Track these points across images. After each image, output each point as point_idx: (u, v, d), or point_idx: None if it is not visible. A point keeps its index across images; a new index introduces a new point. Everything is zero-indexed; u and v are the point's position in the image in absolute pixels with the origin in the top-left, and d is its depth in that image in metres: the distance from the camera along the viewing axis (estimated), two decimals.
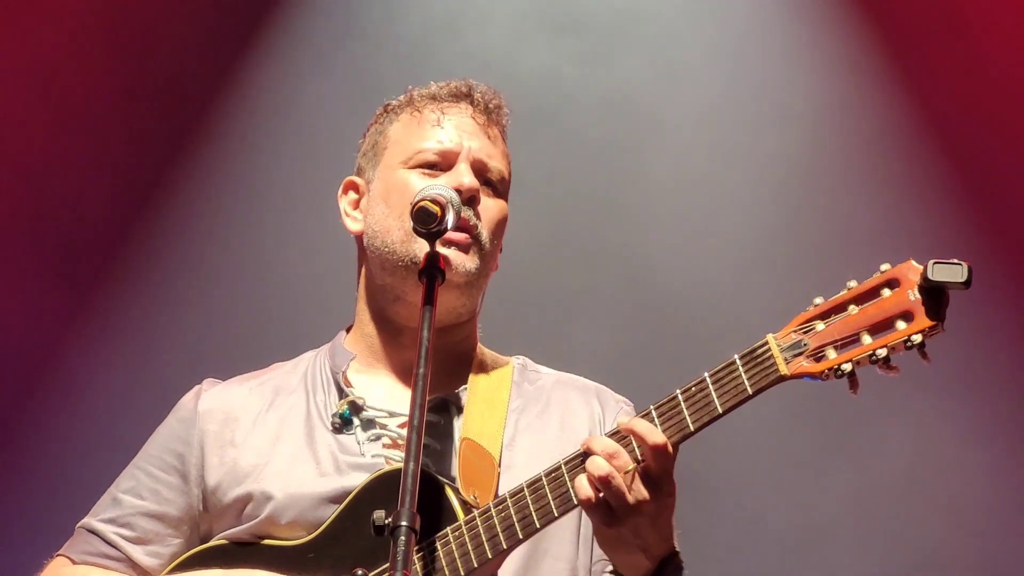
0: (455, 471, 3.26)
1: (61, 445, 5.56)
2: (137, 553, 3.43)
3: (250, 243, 5.66)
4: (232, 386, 3.55)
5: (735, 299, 5.31)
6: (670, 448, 2.95)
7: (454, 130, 3.48)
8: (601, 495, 2.95)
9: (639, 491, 2.94)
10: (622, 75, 5.60)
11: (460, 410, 3.40)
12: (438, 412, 3.39)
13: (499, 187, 3.49)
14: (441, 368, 3.38)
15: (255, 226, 5.66)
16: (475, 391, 3.43)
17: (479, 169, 3.45)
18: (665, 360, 5.23)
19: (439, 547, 3.12)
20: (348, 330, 3.58)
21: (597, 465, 2.96)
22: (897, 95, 5.48)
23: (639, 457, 2.97)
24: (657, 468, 2.95)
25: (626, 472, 2.94)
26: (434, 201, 3.22)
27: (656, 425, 2.98)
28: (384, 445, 3.36)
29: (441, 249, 3.27)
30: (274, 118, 5.73)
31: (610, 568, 3.13)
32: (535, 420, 3.42)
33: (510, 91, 3.59)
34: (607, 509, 2.96)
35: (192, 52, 5.72)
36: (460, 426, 3.36)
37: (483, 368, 3.50)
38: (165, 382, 5.01)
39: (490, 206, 3.45)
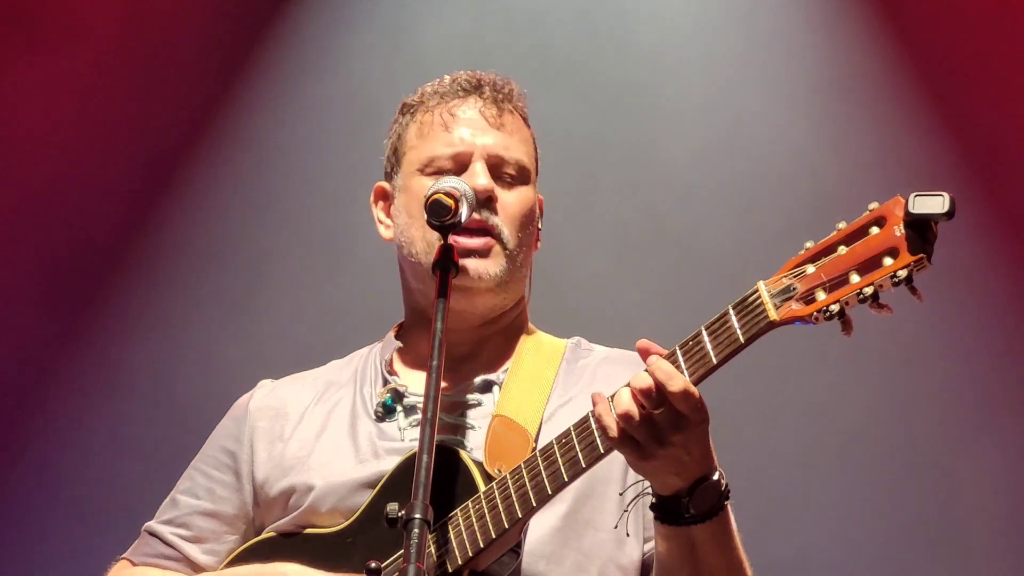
0: (483, 447, 3.28)
1: (76, 449, 5.67)
2: (194, 552, 3.50)
3: (302, 243, 5.73)
4: (285, 383, 3.63)
5: (744, 251, 5.30)
6: (693, 391, 2.92)
7: (465, 130, 3.48)
8: (625, 429, 2.93)
9: (665, 428, 2.92)
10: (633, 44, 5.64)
11: (502, 388, 3.42)
12: (481, 392, 3.42)
13: (519, 176, 3.48)
14: (489, 352, 3.48)
15: (309, 224, 5.73)
16: (518, 371, 3.44)
17: (495, 164, 3.46)
18: (676, 313, 5.21)
19: (460, 521, 3.13)
20: (400, 326, 3.63)
21: (620, 400, 2.94)
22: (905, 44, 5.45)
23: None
24: (684, 408, 2.92)
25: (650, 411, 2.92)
26: (448, 194, 3.25)
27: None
28: None
29: (464, 261, 3.32)
30: (313, 113, 5.79)
31: (648, 488, 3.08)
32: (578, 395, 3.41)
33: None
34: (635, 444, 2.94)
35: (205, 53, 5.82)
36: (496, 403, 3.39)
37: (532, 348, 3.51)
38: (187, 389, 5.14)
39: (510, 200, 3.45)
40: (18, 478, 5.67)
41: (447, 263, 3.23)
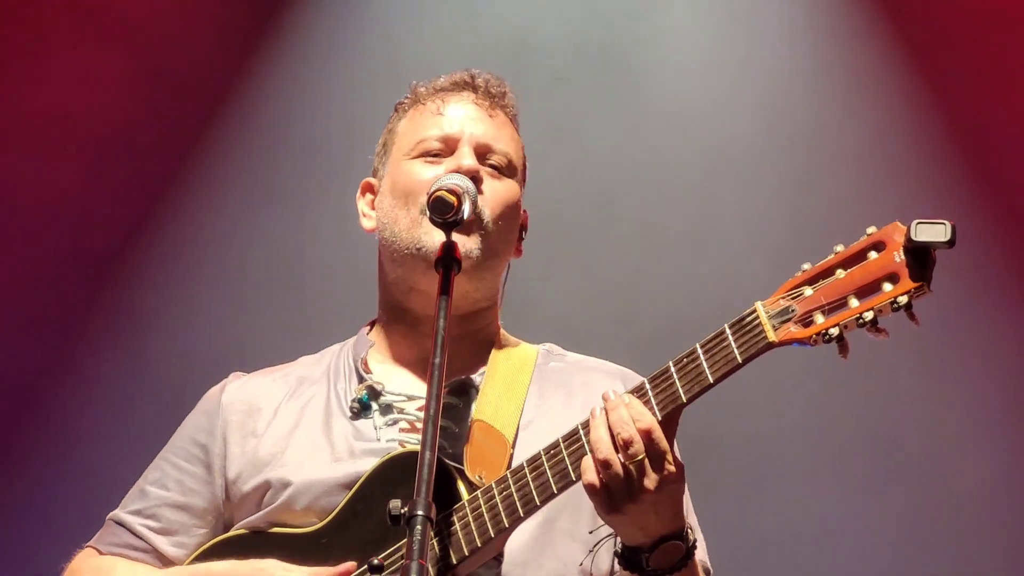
0: (463, 452, 3.27)
1: (79, 442, 5.66)
2: (163, 544, 3.47)
3: (273, 242, 5.73)
4: (257, 378, 3.60)
5: (734, 267, 5.34)
6: (657, 430, 2.95)
7: (456, 117, 3.52)
8: (602, 478, 2.96)
9: (640, 485, 2.95)
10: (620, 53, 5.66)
11: (479, 392, 3.41)
12: (457, 395, 3.41)
13: (505, 170, 3.50)
14: (463, 352, 3.44)
15: (278, 225, 5.73)
16: (494, 374, 3.44)
17: (482, 152, 3.48)
18: (667, 333, 5.24)
19: (443, 528, 3.11)
20: (372, 324, 3.62)
21: (600, 447, 2.96)
22: (899, 63, 5.47)
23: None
24: (651, 449, 2.95)
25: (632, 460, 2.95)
26: (451, 191, 3.23)
27: (650, 397, 2.98)
28: (401, 429, 3.38)
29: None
30: (299, 114, 5.80)
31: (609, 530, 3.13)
32: (555, 402, 3.42)
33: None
34: (607, 494, 2.96)
35: (205, 48, 5.81)
36: (474, 408, 3.37)
37: (505, 352, 3.52)
38: (181, 380, 5.09)
39: (496, 188, 3.46)
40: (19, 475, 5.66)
41: (449, 260, 3.21)
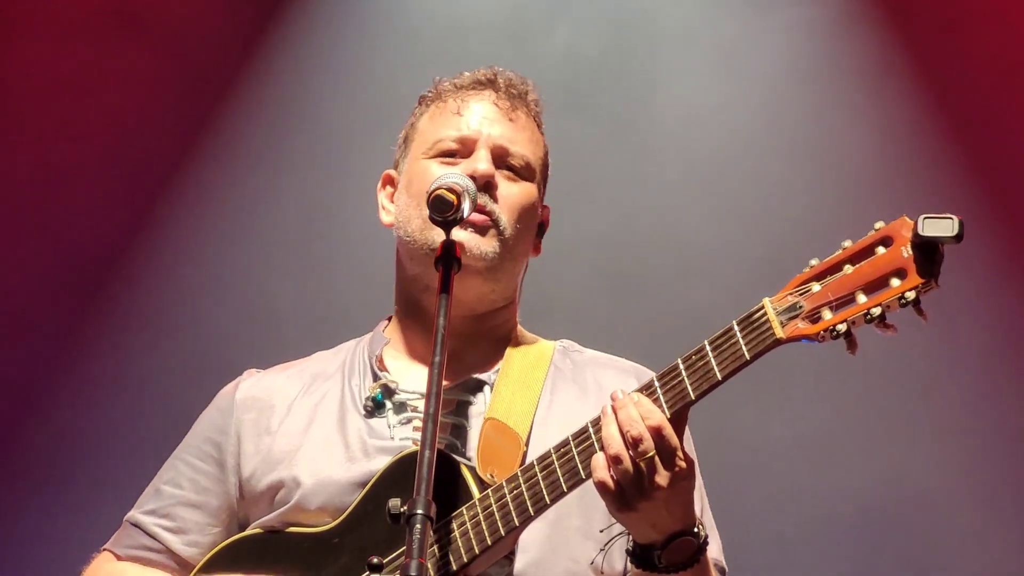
0: (475, 451, 3.26)
1: (83, 443, 5.67)
2: (176, 543, 3.47)
3: (283, 239, 5.73)
4: (271, 374, 3.60)
5: (746, 264, 5.33)
6: (667, 427, 2.95)
7: (474, 117, 3.50)
8: (613, 476, 2.95)
9: (650, 481, 2.94)
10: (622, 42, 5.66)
11: (493, 390, 3.40)
12: (472, 392, 3.40)
13: (523, 172, 3.48)
14: (479, 350, 3.45)
15: (286, 222, 5.73)
16: (508, 372, 3.43)
17: (499, 155, 3.46)
18: (677, 329, 5.23)
19: (454, 527, 3.11)
20: (389, 319, 3.61)
21: (611, 444, 2.96)
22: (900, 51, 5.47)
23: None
24: (661, 446, 2.95)
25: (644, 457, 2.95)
26: (450, 190, 3.21)
27: (659, 394, 2.98)
28: (415, 428, 3.37)
29: (459, 233, 3.28)
30: (305, 111, 5.80)
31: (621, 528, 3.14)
32: (570, 399, 3.42)
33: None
34: (618, 492, 2.96)
35: (210, 43, 5.82)
36: (488, 405, 3.37)
37: (521, 349, 3.51)
38: (192, 378, 5.11)
39: (512, 191, 3.45)
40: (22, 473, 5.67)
41: (449, 259, 3.19)
